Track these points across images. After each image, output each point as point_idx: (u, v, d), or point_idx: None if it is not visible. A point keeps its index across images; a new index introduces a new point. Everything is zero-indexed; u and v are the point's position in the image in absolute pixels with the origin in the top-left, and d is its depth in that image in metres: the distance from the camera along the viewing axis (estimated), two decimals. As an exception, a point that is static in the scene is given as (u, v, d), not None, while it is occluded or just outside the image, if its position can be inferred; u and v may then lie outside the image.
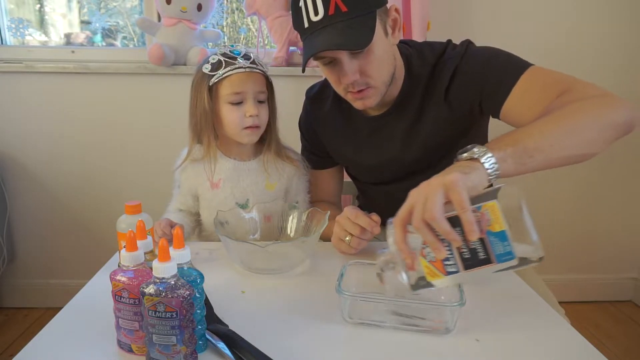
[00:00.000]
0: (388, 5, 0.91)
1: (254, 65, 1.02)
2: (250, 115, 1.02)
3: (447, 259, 0.62)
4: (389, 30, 0.92)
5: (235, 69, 1.00)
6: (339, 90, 0.97)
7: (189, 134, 1.09)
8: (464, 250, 0.62)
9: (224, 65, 1.00)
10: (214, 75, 1.01)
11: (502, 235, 0.60)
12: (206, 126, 1.04)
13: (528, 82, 0.88)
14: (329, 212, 0.93)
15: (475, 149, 0.69)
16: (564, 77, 0.87)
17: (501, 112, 0.92)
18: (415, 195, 0.64)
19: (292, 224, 1.02)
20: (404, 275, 0.65)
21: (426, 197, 0.62)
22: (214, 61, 1.02)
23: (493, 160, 0.67)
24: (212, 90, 1.02)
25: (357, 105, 0.97)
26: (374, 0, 0.86)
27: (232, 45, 1.05)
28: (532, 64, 0.91)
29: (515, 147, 0.69)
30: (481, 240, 0.61)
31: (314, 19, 0.85)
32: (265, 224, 1.02)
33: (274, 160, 1.10)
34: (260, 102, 1.04)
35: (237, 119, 1.02)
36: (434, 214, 0.60)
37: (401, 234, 0.64)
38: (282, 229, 1.02)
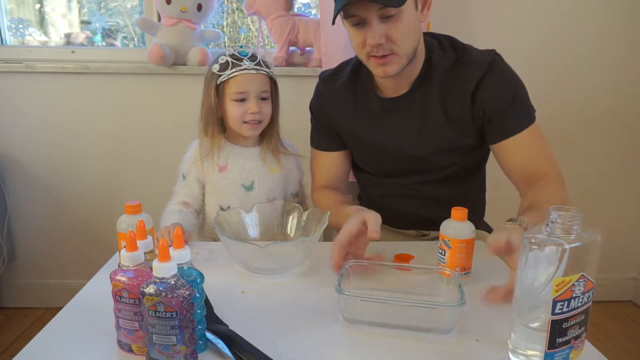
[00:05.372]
0: None
1: (259, 67, 1.11)
2: (251, 112, 1.10)
3: None
4: (419, 6, 0.97)
5: (241, 70, 1.09)
6: (361, 55, 0.99)
7: (199, 125, 1.17)
8: None
9: (230, 66, 1.09)
10: (222, 75, 1.10)
11: None
12: (211, 119, 1.14)
13: (529, 138, 1.00)
14: (329, 212, 0.93)
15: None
16: (548, 154, 1.01)
17: (498, 144, 1.02)
18: None
19: (292, 224, 1.02)
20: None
21: None
22: (223, 62, 1.11)
23: None
24: (219, 88, 1.11)
25: (378, 72, 0.99)
26: None
27: (241, 46, 1.14)
28: (534, 116, 1.02)
29: None
30: None
31: None
32: (265, 226, 1.03)
33: (272, 153, 1.19)
34: (263, 99, 1.13)
35: (239, 114, 1.11)
36: None
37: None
38: (282, 228, 1.03)
